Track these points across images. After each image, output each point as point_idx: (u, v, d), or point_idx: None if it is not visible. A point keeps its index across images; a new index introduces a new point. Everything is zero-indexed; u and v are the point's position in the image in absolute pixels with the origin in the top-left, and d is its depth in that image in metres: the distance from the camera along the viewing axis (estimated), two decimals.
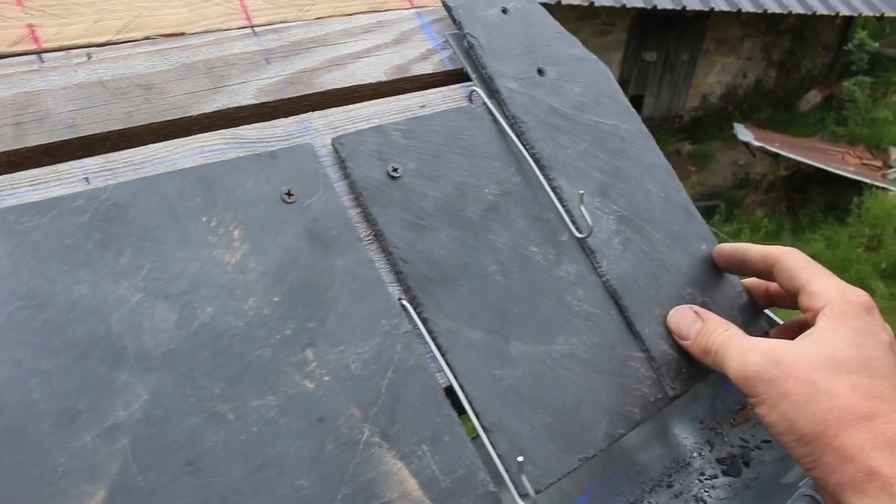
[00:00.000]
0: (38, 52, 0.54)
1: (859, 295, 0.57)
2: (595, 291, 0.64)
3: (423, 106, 0.66)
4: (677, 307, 0.64)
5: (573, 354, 0.60)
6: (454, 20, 0.70)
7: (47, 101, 0.53)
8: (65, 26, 0.56)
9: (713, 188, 7.67)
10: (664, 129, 8.60)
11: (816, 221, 6.90)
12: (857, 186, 6.78)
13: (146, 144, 0.54)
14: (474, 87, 0.68)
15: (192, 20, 0.60)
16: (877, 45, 8.61)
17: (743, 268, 0.69)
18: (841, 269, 6.11)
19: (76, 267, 0.47)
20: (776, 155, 7.25)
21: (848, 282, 0.59)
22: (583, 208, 0.62)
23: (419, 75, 0.67)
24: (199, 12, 0.61)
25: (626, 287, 0.64)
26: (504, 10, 0.74)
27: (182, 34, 0.59)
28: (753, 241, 5.81)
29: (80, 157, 0.52)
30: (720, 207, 7.10)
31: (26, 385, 0.43)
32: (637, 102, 8.51)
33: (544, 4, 6.77)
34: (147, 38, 0.58)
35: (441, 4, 0.72)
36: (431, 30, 0.71)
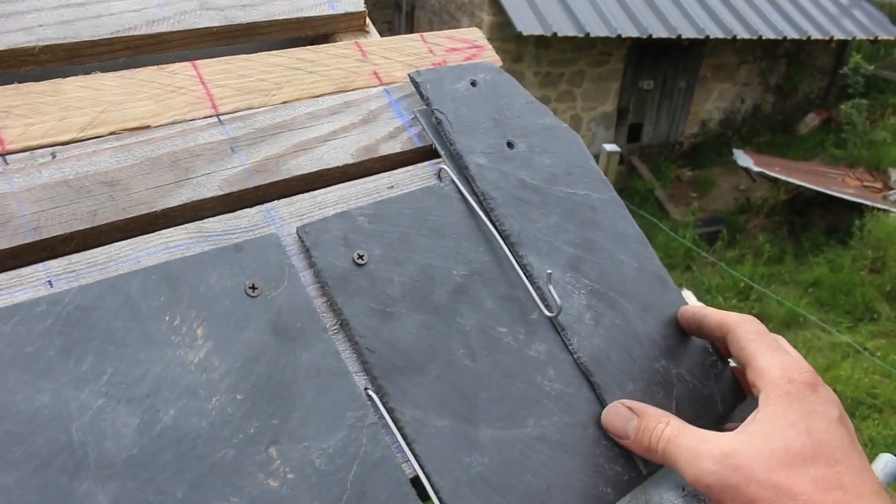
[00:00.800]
0: (3, 154, 0.55)
1: (802, 372, 0.57)
2: (566, 370, 0.63)
3: (391, 187, 0.66)
4: (609, 406, 0.63)
5: (543, 437, 0.60)
6: (422, 96, 0.71)
7: (11, 204, 0.53)
8: (29, 126, 0.57)
9: (715, 214, 7.68)
10: (664, 156, 8.63)
11: (819, 245, 6.89)
12: (858, 209, 6.78)
13: (111, 242, 0.55)
14: (442, 165, 0.69)
15: (158, 112, 0.61)
16: (872, 67, 8.65)
17: (701, 333, 0.69)
18: (846, 292, 6.10)
19: (38, 375, 0.47)
20: (776, 179, 7.26)
21: (853, 305, 0.60)
22: (551, 287, 0.62)
23: (387, 155, 0.68)
24: (165, 103, 0.62)
25: (599, 363, 0.64)
26: (473, 83, 0.74)
27: (147, 127, 0.60)
28: (757, 267, 5.79)
29: (44, 259, 0.53)
30: (722, 233, 7.09)
31: None
32: (636, 130, 8.55)
33: (541, 37, 6.85)
34: (112, 133, 0.59)
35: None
36: (400, 106, 0.72)
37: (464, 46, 0.81)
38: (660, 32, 7.13)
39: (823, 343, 5.53)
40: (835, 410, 0.55)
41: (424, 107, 0.72)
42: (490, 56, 0.82)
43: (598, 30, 6.93)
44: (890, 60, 9.12)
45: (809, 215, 7.32)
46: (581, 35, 6.87)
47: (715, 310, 0.67)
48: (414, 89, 0.73)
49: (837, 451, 0.53)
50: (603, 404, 0.63)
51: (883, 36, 8.18)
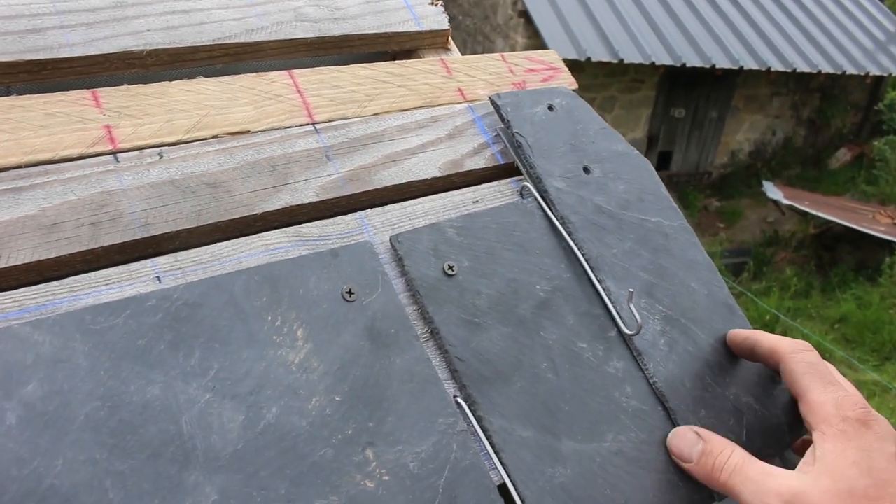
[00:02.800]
0: (114, 153, 0.57)
1: (855, 408, 0.57)
2: (642, 388, 0.64)
3: (476, 201, 0.67)
4: (676, 429, 0.63)
5: (622, 452, 0.60)
6: (503, 118, 0.72)
7: (122, 201, 0.55)
8: (139, 126, 0.59)
9: (742, 245, 7.64)
10: (692, 185, 8.61)
11: (847, 280, 6.83)
12: (888, 246, 6.72)
13: (213, 242, 0.56)
14: (525, 182, 0.70)
15: (257, 118, 0.63)
16: None
17: (753, 358, 0.68)
18: (873, 329, 6.03)
19: (149, 367, 0.49)
20: (805, 213, 7.21)
21: (881, 343, 0.60)
22: (632, 306, 0.63)
23: (472, 170, 0.69)
24: (264, 110, 0.64)
25: (673, 389, 0.65)
26: (550, 107, 0.76)
27: (247, 132, 0.62)
28: (783, 300, 5.72)
29: (150, 256, 0.54)
30: (749, 265, 7.05)
31: (102, 486, 0.44)
32: (665, 158, 8.54)
33: (574, 62, 6.87)
34: (215, 136, 0.61)
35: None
36: (483, 124, 0.73)
37: (541, 67, 0.82)
38: (693, 61, 7.13)
39: (850, 380, 5.46)
40: (892, 446, 0.55)
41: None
42: (566, 78, 0.83)
43: (631, 56, 6.94)
44: None
45: (838, 251, 7.27)
46: (615, 61, 6.89)
47: (767, 335, 0.67)
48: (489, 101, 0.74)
49: None
50: (676, 427, 0.64)
51: None
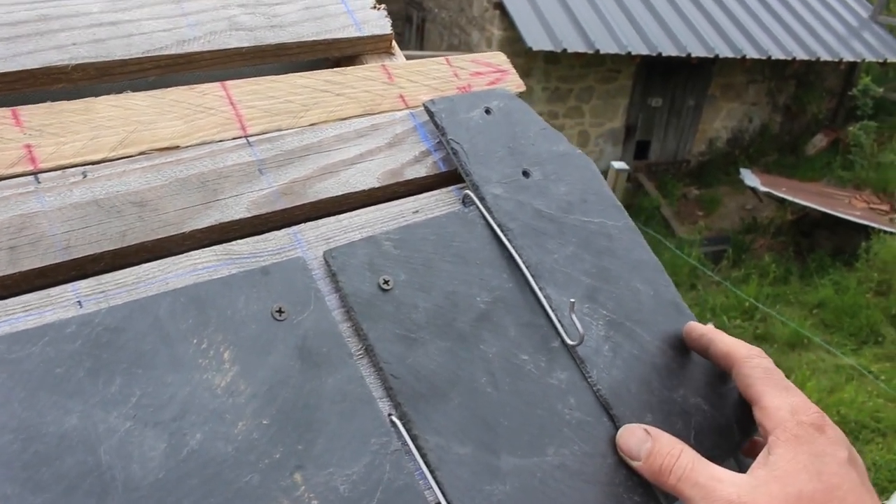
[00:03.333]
0: (35, 173, 0.55)
1: (810, 413, 0.57)
2: (586, 398, 0.63)
3: (416, 211, 0.66)
4: (626, 426, 0.63)
5: (564, 465, 0.60)
6: (437, 126, 0.71)
7: (42, 223, 0.53)
8: (62, 145, 0.57)
9: (720, 233, 7.67)
10: (671, 173, 8.64)
11: (824, 266, 6.88)
12: (864, 231, 6.78)
13: (140, 263, 0.55)
14: (467, 190, 0.69)
15: (187, 132, 0.62)
16: (881, 90, 8.66)
17: (706, 356, 0.68)
18: (850, 314, 6.09)
19: (67, 396, 0.47)
20: (783, 199, 7.26)
21: (858, 327, 0.60)
22: (574, 317, 0.62)
23: (412, 179, 0.68)
24: (194, 124, 0.62)
25: (618, 395, 0.64)
26: (487, 111, 0.74)
27: (176, 147, 0.61)
28: (762, 287, 5.76)
29: (73, 279, 0.53)
30: (728, 252, 7.09)
31: None
32: (643, 147, 8.56)
33: (550, 53, 6.87)
34: (142, 153, 0.59)
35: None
36: (425, 131, 0.72)
37: (488, 70, 0.81)
38: (669, 50, 7.15)
39: (828, 365, 5.52)
40: (843, 452, 0.56)
41: None
42: (513, 81, 0.82)
43: (607, 46, 6.95)
44: None
45: (815, 236, 7.32)
46: (591, 51, 6.89)
47: (723, 336, 0.66)
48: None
49: (849, 494, 0.53)
50: None
51: (892, 59, 8.19)
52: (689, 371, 0.69)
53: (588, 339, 0.65)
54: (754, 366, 0.62)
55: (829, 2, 8.69)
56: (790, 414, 0.58)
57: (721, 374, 0.71)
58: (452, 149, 0.70)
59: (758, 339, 5.70)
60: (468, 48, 8.06)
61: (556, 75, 7.65)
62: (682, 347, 0.70)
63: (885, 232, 6.68)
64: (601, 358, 0.65)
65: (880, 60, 8.19)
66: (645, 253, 0.75)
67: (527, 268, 0.66)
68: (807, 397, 0.61)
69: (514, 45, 7.20)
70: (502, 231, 0.67)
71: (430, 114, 0.71)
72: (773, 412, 0.58)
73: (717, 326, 0.69)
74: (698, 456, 0.58)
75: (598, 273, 0.70)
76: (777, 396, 0.59)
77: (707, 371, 0.70)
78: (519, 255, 0.67)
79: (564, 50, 6.79)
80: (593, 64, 7.68)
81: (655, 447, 0.59)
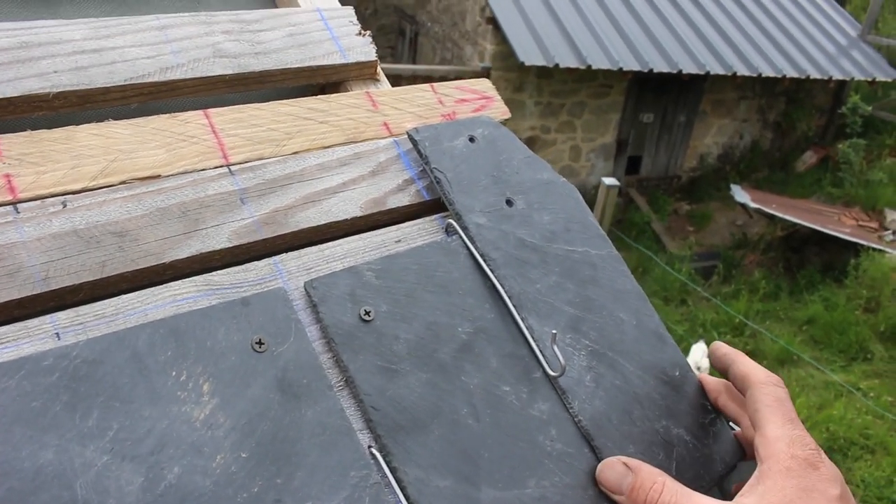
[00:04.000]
0: (14, 203, 0.55)
1: (806, 448, 0.57)
2: (568, 429, 0.63)
3: (399, 241, 0.66)
4: (605, 460, 0.62)
5: (545, 497, 0.59)
6: (421, 154, 0.71)
7: (21, 254, 0.53)
8: (41, 174, 0.57)
9: (711, 249, 7.69)
10: (662, 189, 8.66)
11: (814, 282, 6.90)
12: (853, 248, 6.81)
13: (119, 294, 0.55)
14: (450, 219, 0.69)
15: (169, 161, 0.61)
16: (869, 108, 8.72)
17: (725, 376, 0.69)
18: (840, 331, 6.10)
19: (42, 431, 0.47)
20: (773, 216, 7.29)
21: (848, 344, 0.60)
22: (556, 348, 0.62)
23: (396, 207, 0.68)
24: (176, 153, 0.62)
25: (599, 426, 0.64)
26: (471, 139, 0.75)
27: (158, 176, 0.60)
28: (752, 303, 5.77)
29: (51, 310, 0.53)
30: (718, 268, 7.11)
31: None
32: (635, 163, 8.59)
33: (543, 68, 6.90)
34: (123, 182, 0.59)
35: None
36: (409, 159, 0.72)
37: (473, 97, 0.81)
38: (661, 67, 7.19)
39: (817, 382, 5.52)
40: (835, 489, 0.56)
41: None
42: (498, 108, 0.83)
43: (599, 62, 6.98)
44: (888, 101, 9.19)
45: (805, 253, 7.34)
46: (583, 67, 6.93)
47: (745, 359, 0.67)
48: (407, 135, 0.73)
49: None
50: None
51: (881, 77, 8.25)
52: (671, 402, 0.69)
53: (570, 369, 0.65)
54: (767, 392, 0.63)
55: (818, 21, 8.76)
56: (787, 446, 0.58)
57: (703, 405, 0.71)
58: (436, 177, 0.70)
59: (748, 356, 5.70)
60: (461, 62, 8.08)
61: (549, 90, 7.68)
62: (664, 378, 0.70)
63: (874, 249, 6.71)
64: (583, 389, 0.65)
65: (869, 79, 8.25)
66: (628, 282, 0.75)
67: (509, 298, 0.66)
68: (807, 433, 0.61)
69: (507, 60, 7.23)
70: (485, 261, 0.67)
71: (414, 142, 0.71)
72: (772, 442, 0.59)
73: (706, 342, 0.70)
74: (680, 486, 0.58)
75: (582, 303, 0.70)
76: (779, 427, 0.59)
77: (690, 402, 0.70)
78: (501, 285, 0.67)
79: (557, 65, 6.82)
80: (585, 79, 7.71)
81: (637, 481, 0.59)
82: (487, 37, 7.46)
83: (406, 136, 0.73)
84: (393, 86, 0.81)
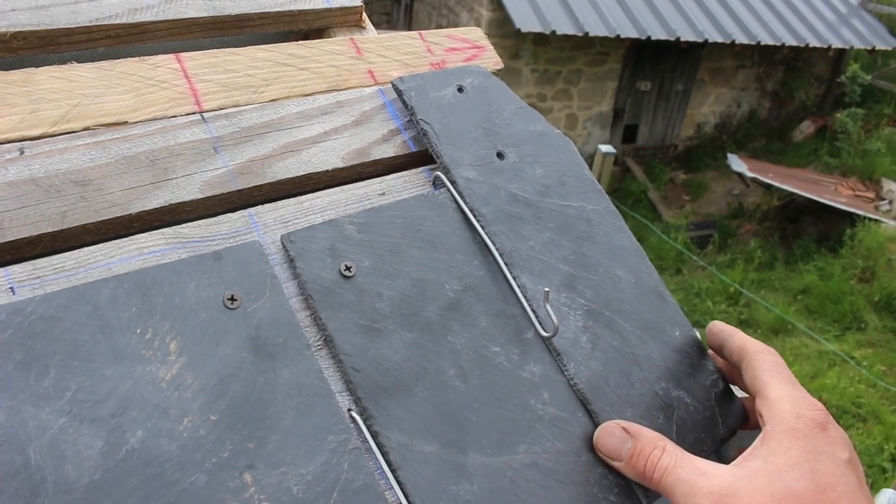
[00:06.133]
0: None
1: (813, 409, 0.55)
2: (561, 392, 0.60)
3: (383, 193, 0.63)
4: (603, 425, 0.60)
5: (536, 464, 0.56)
6: (406, 105, 0.67)
7: None
8: None
9: (707, 217, 7.66)
10: (658, 158, 8.61)
11: (809, 252, 6.88)
12: (849, 218, 6.78)
13: (81, 246, 0.51)
14: (438, 172, 0.65)
15: (137, 107, 0.57)
16: (868, 77, 8.64)
17: (720, 353, 0.67)
18: (834, 300, 6.09)
19: None
20: (769, 185, 7.25)
21: (842, 314, 0.57)
22: (548, 307, 0.59)
23: (380, 159, 0.64)
24: (145, 98, 0.58)
25: (596, 389, 0.61)
26: (460, 89, 0.71)
27: (125, 123, 0.56)
28: (747, 272, 5.76)
29: (6, 263, 0.49)
30: (714, 237, 7.08)
31: None
32: (631, 132, 8.53)
33: (539, 34, 6.81)
34: (86, 128, 0.55)
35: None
36: (395, 108, 0.68)
37: (464, 46, 0.77)
38: (659, 34, 7.10)
39: (811, 351, 5.52)
40: (844, 452, 0.53)
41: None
42: (491, 57, 0.78)
43: (597, 29, 6.89)
44: (887, 70, 9.10)
45: (801, 222, 7.32)
46: (580, 34, 6.83)
47: (740, 333, 0.65)
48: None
49: (843, 497, 0.50)
50: None
51: (880, 46, 8.17)
52: (671, 363, 0.66)
53: (565, 329, 0.62)
54: (764, 359, 0.61)
55: None
56: (791, 406, 0.55)
57: (705, 365, 0.68)
58: (422, 129, 0.66)
59: (742, 325, 5.70)
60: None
61: (545, 57, 7.59)
62: (664, 338, 0.67)
63: (870, 219, 6.69)
64: (579, 350, 0.62)
65: (869, 48, 8.16)
66: (626, 238, 0.71)
67: (500, 255, 0.63)
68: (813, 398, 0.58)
69: (503, 27, 7.12)
70: (475, 216, 0.64)
71: (399, 92, 0.67)
72: (775, 403, 0.56)
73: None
74: (681, 450, 0.56)
75: (577, 260, 0.67)
76: (781, 388, 0.57)
77: (691, 363, 0.67)
78: (492, 241, 0.63)
79: (553, 32, 6.72)
80: (582, 47, 7.62)
81: (637, 447, 0.57)
82: (483, 3, 7.35)
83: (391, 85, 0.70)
84: None
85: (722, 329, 0.67)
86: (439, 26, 8.53)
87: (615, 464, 0.58)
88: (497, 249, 0.63)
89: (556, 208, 0.68)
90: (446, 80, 0.70)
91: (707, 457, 0.59)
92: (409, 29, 9.06)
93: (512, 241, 0.64)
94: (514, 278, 0.62)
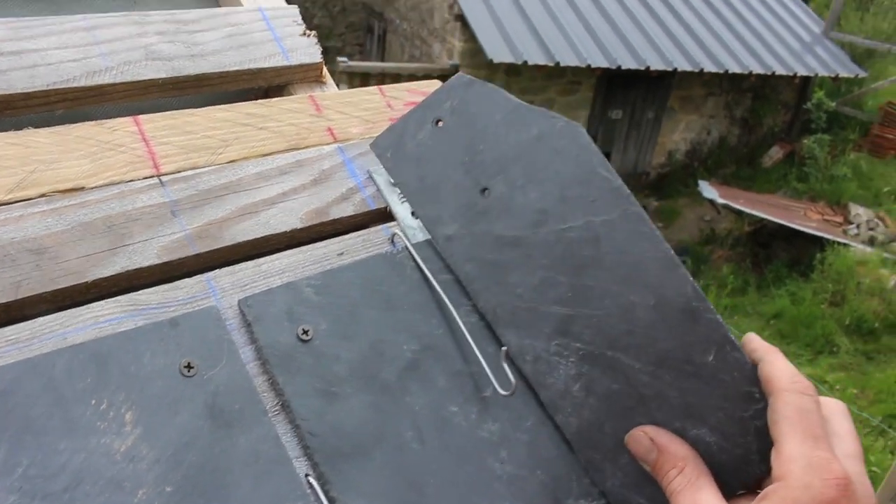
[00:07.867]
0: None
1: (827, 480, 0.48)
2: (519, 451, 0.60)
3: (342, 253, 0.63)
4: (632, 432, 0.57)
5: None
6: (387, 168, 0.68)
7: None
8: None
9: (680, 244, 7.73)
10: (631, 185, 8.59)
11: (781, 277, 6.96)
12: (819, 242, 6.87)
13: (37, 316, 0.51)
14: (395, 230, 0.66)
15: (94, 172, 0.58)
16: (833, 104, 8.81)
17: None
18: (806, 325, 6.15)
19: None
20: (740, 211, 7.34)
21: (814, 338, 0.52)
22: (505, 365, 0.59)
23: (339, 218, 0.65)
24: (102, 162, 0.58)
25: (587, 439, 0.60)
26: (437, 122, 0.68)
27: (82, 188, 0.57)
28: (720, 298, 5.76)
29: None
30: (687, 263, 7.15)
31: None
32: None
33: (511, 65, 6.87)
34: (43, 195, 0.55)
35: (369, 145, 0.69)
36: (354, 166, 0.69)
37: None
38: (629, 63, 7.20)
39: None
40: None
41: (378, 165, 0.69)
42: None
43: (568, 59, 6.98)
44: (851, 97, 9.29)
45: (773, 247, 7.40)
46: (551, 64, 6.92)
47: (774, 358, 0.55)
48: (368, 146, 0.70)
49: None
50: (594, 482, 0.59)
51: (843, 73, 8.35)
52: (693, 397, 0.57)
53: (555, 382, 0.60)
54: (788, 402, 0.52)
55: (783, 17, 8.83)
56: (802, 471, 0.48)
57: (749, 393, 0.57)
58: (400, 192, 0.66)
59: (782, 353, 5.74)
60: (430, 59, 8.04)
61: (518, 87, 7.66)
62: (688, 369, 0.58)
63: (839, 243, 6.79)
64: (568, 401, 0.60)
65: (832, 75, 8.34)
66: (649, 247, 0.59)
67: (485, 315, 0.63)
68: (858, 446, 0.52)
69: (476, 57, 7.19)
70: (458, 278, 0.63)
71: (378, 156, 0.67)
72: (785, 462, 0.49)
73: None
74: (697, 475, 0.53)
75: (575, 297, 0.61)
76: (797, 446, 0.50)
77: (724, 393, 0.57)
78: (476, 301, 0.63)
79: (525, 62, 6.80)
80: (554, 76, 7.71)
81: (659, 461, 0.55)
82: (456, 34, 7.43)
83: (352, 142, 0.70)
84: (361, 84, 0.77)
85: (755, 349, 0.57)
86: (412, 57, 8.59)
87: (644, 466, 0.57)
88: (481, 309, 0.63)
89: (553, 237, 0.62)
90: (422, 118, 0.68)
91: (733, 492, 0.55)
92: (383, 60, 9.11)
93: (497, 295, 0.62)
94: (500, 336, 0.62)
